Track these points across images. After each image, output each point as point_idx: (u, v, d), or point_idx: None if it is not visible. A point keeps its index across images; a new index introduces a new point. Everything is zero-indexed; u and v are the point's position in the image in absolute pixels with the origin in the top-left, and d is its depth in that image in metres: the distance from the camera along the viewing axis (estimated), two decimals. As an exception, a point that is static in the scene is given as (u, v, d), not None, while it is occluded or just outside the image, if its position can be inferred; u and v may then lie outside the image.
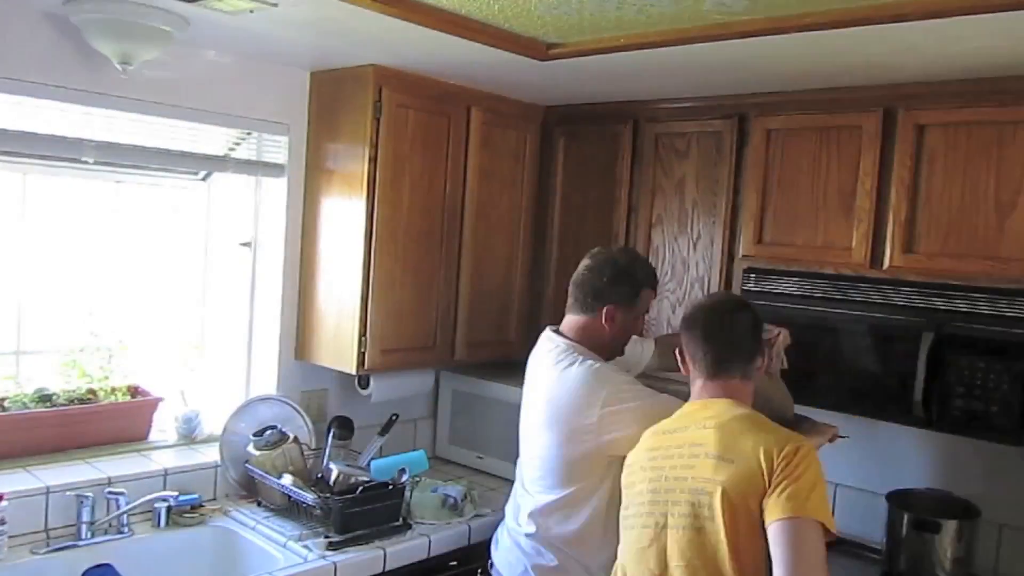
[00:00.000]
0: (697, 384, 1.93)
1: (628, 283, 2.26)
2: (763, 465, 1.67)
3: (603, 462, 2.14)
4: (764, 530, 1.65)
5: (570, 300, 2.32)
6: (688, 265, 2.80)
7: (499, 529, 2.44)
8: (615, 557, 2.00)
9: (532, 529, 2.25)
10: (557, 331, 2.34)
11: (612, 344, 2.30)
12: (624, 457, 2.02)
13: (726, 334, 1.91)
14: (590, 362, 2.18)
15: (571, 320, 2.31)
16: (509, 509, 2.39)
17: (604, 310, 2.24)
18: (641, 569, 1.81)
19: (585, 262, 2.32)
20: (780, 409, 2.35)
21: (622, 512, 1.94)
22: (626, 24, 2.08)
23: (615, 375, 2.20)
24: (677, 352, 1.99)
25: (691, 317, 1.98)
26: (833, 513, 2.73)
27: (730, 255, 2.70)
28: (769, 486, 1.65)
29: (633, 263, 2.32)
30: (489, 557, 2.43)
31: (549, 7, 1.99)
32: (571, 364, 2.19)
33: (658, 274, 2.83)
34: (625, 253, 2.40)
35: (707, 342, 1.91)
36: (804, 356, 2.49)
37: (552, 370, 2.22)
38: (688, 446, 1.80)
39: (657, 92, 2.79)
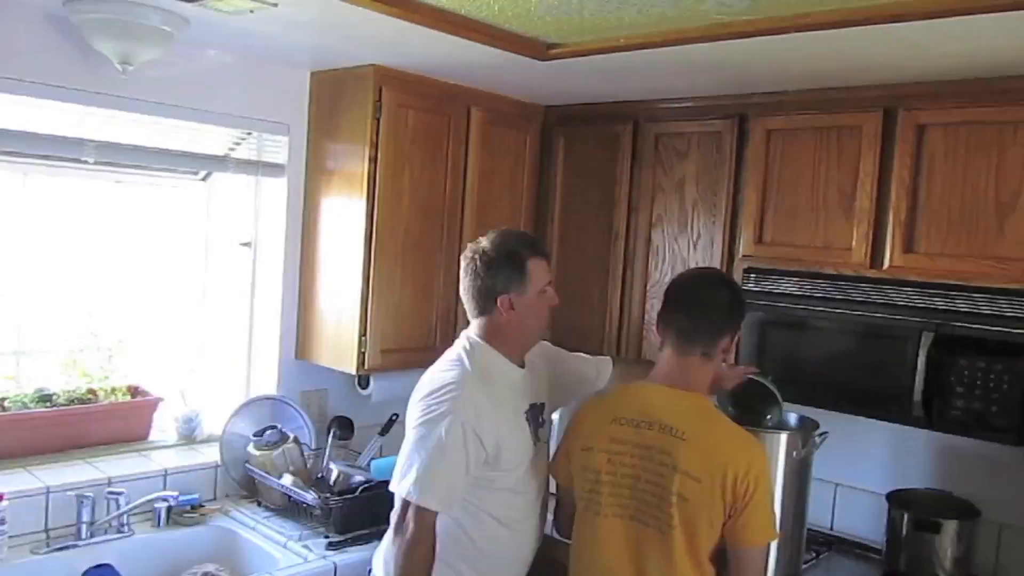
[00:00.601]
0: (661, 355, 1.94)
1: (507, 263, 1.99)
2: (726, 491, 1.77)
3: None
4: (721, 533, 1.81)
5: (467, 309, 2.08)
6: (688, 265, 2.79)
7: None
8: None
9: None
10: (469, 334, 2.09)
11: (525, 331, 2.07)
12: None
13: (697, 303, 1.91)
14: (446, 368, 2.01)
15: (474, 325, 2.07)
16: None
17: (498, 302, 2.00)
18: (609, 557, 1.88)
19: (462, 266, 2.07)
20: None
21: (578, 490, 1.96)
22: (626, 24, 2.07)
23: (443, 395, 1.93)
24: (657, 319, 1.99)
25: (671, 284, 2.01)
26: (833, 513, 2.77)
27: (730, 255, 2.70)
28: (726, 514, 1.78)
29: (503, 242, 2.03)
30: None
31: (549, 7, 1.99)
32: (437, 367, 2.04)
33: (658, 274, 2.86)
34: (492, 237, 2.05)
35: (676, 310, 1.92)
36: (804, 357, 2.49)
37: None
38: (657, 452, 1.82)
39: (657, 92, 2.79)
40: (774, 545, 2.24)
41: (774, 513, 1.84)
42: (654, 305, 2.86)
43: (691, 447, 1.79)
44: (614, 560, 1.87)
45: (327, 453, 2.73)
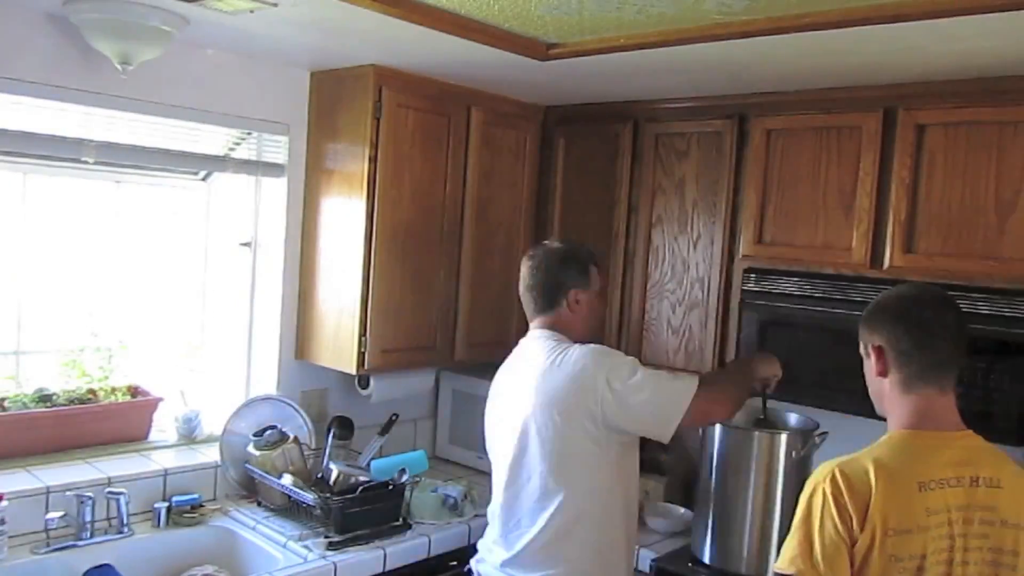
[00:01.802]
0: (914, 397, 1.57)
1: (575, 263, 2.20)
2: None
3: (607, 449, 2.04)
4: None
5: (530, 307, 2.24)
6: (688, 265, 2.80)
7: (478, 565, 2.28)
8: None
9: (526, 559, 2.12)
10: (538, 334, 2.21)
11: (586, 330, 2.21)
12: (627, 435, 2.07)
13: (943, 329, 1.57)
14: (591, 346, 2.10)
15: (541, 322, 2.21)
16: (488, 546, 2.25)
17: (568, 296, 2.17)
18: None
19: (525, 265, 2.24)
20: None
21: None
22: (626, 24, 2.08)
23: (616, 352, 2.14)
24: (869, 349, 1.63)
25: (892, 303, 1.63)
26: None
27: (730, 255, 2.70)
28: None
29: (570, 246, 2.27)
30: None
31: (549, 7, 1.99)
32: (566, 351, 2.08)
33: (658, 274, 2.87)
34: (559, 242, 2.32)
35: (930, 338, 1.57)
36: (804, 357, 2.49)
37: (544, 363, 2.09)
38: (979, 510, 1.51)
39: (657, 92, 2.79)
40: (773, 546, 2.25)
41: None
42: (653, 305, 2.87)
43: (1009, 494, 1.54)
44: None
45: (327, 453, 2.73)
